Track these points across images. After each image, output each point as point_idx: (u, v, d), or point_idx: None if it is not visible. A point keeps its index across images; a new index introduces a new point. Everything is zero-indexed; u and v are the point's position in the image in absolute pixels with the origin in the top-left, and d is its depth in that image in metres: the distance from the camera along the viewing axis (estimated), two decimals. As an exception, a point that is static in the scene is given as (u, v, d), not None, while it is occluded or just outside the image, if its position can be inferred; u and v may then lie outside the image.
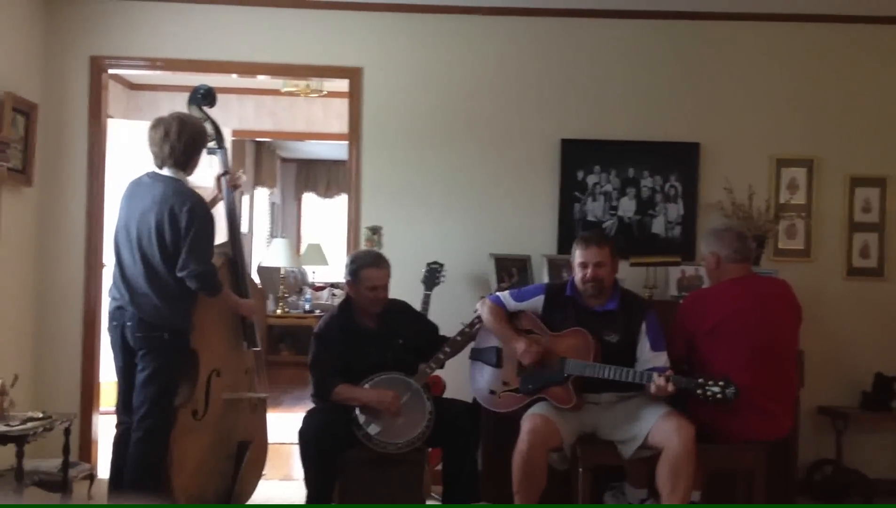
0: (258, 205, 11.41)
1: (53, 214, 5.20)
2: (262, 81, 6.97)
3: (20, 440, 3.95)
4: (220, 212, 4.21)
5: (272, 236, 11.89)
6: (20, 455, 3.98)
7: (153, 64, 5.35)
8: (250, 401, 4.33)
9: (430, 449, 4.25)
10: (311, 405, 4.24)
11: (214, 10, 5.26)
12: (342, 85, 5.56)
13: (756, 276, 4.25)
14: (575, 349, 3.97)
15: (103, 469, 4.64)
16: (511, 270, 4.90)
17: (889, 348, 5.32)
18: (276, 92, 8.02)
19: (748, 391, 3.72)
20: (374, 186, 5.32)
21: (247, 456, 4.24)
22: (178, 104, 4.59)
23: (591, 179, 5.34)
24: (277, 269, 9.18)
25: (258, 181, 11.18)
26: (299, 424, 4.06)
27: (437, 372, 4.37)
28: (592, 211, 5.34)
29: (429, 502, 4.41)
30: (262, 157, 11.24)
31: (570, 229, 5.28)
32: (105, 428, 5.02)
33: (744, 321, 3.93)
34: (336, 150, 10.53)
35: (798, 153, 5.39)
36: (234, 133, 8.01)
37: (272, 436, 4.56)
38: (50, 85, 5.17)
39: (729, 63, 5.39)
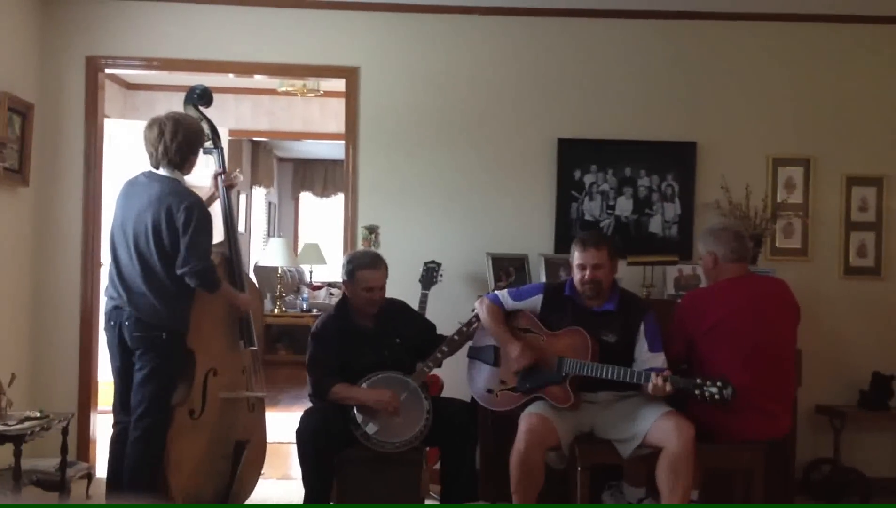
0: (255, 204, 11.42)
1: (50, 213, 5.19)
2: (259, 80, 6.96)
3: (18, 439, 3.95)
4: (216, 211, 4.21)
5: (269, 235, 11.90)
6: (18, 455, 3.98)
7: (150, 64, 5.34)
8: (248, 400, 4.33)
9: (427, 449, 4.25)
10: (308, 405, 4.24)
11: (211, 9, 5.25)
12: (339, 85, 5.55)
13: (754, 275, 4.26)
14: (573, 348, 3.98)
15: (101, 469, 4.64)
16: (508, 269, 4.90)
17: (886, 346, 5.33)
18: (272, 92, 8.02)
19: (747, 390, 3.72)
20: (371, 186, 5.32)
21: (244, 456, 4.23)
22: (175, 104, 4.58)
23: (588, 179, 5.34)
24: (275, 268, 9.18)
25: (255, 181, 11.18)
26: (297, 423, 4.07)
27: (435, 371, 4.37)
28: (589, 210, 5.34)
29: (427, 501, 4.41)
30: (258, 156, 11.24)
31: (567, 228, 5.29)
32: (103, 428, 5.02)
33: (742, 321, 3.93)
34: (333, 149, 10.52)
35: (795, 152, 5.39)
36: (231, 133, 8.00)
37: (270, 436, 4.55)
38: (46, 85, 5.17)
39: (726, 62, 5.39)
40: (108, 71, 5.39)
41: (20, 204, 4.99)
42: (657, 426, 3.77)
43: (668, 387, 3.74)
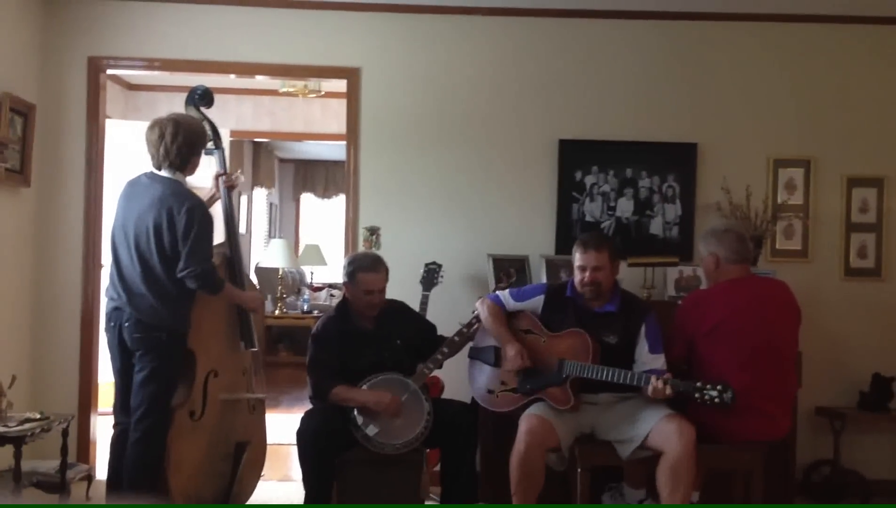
0: (256, 205, 11.41)
1: (51, 214, 5.19)
2: (261, 81, 6.97)
3: (18, 440, 3.95)
4: (217, 212, 4.21)
5: (270, 236, 11.90)
6: (18, 456, 3.98)
7: (151, 64, 5.34)
8: (248, 402, 4.33)
9: (428, 450, 4.24)
10: (309, 406, 4.24)
11: (212, 10, 5.25)
12: (340, 85, 5.56)
13: (755, 277, 4.25)
14: (574, 349, 3.97)
15: (101, 470, 4.63)
16: (509, 270, 4.89)
17: (887, 348, 5.32)
18: (274, 92, 8.02)
19: (747, 392, 3.72)
20: (373, 187, 5.32)
21: (245, 457, 4.23)
22: (177, 104, 4.59)
23: (588, 180, 5.34)
24: (276, 269, 9.18)
25: (256, 182, 11.18)
26: (297, 425, 4.07)
27: (436, 373, 4.36)
28: (590, 211, 5.34)
29: (427, 503, 4.41)
30: (260, 157, 11.24)
31: (568, 229, 5.29)
32: (103, 429, 5.02)
33: (743, 322, 3.92)
34: (334, 150, 10.54)
35: (795, 154, 5.39)
36: (232, 133, 8.01)
37: (270, 437, 4.55)
38: (47, 85, 5.17)
39: (726, 63, 5.39)
40: (109, 71, 5.39)
41: (21, 205, 4.99)
42: (658, 430, 3.77)
43: (668, 390, 3.74)
